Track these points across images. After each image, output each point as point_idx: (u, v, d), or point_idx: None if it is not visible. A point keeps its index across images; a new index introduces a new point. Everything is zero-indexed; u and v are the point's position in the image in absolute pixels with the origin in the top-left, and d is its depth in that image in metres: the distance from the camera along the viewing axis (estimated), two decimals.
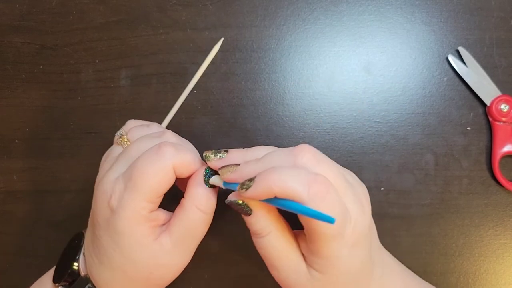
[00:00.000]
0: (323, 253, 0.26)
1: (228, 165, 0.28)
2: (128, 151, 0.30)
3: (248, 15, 0.40)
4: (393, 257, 0.35)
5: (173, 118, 0.40)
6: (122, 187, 0.28)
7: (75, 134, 0.41)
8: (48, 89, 0.41)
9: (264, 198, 0.25)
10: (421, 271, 0.37)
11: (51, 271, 0.34)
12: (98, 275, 0.31)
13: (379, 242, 0.33)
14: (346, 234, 0.26)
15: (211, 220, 0.31)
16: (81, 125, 0.41)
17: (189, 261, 0.31)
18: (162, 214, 0.30)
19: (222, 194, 0.36)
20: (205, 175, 0.29)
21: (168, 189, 0.29)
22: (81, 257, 0.32)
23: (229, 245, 0.38)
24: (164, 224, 0.30)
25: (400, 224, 0.38)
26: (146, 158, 0.28)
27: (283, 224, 0.28)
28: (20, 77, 0.42)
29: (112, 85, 0.41)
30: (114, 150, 0.32)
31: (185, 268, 0.38)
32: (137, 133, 0.33)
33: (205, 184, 0.29)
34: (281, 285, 0.29)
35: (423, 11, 0.40)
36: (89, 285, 0.31)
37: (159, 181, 0.28)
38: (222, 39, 0.40)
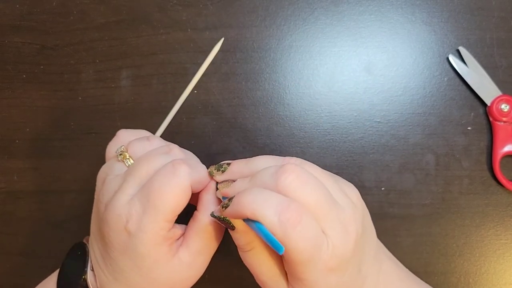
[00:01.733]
0: (300, 276, 0.26)
1: (225, 181, 0.29)
2: (137, 170, 0.29)
3: (249, 15, 0.40)
4: (392, 257, 0.34)
5: (173, 118, 0.40)
6: (139, 210, 0.28)
7: (76, 134, 0.41)
8: (49, 89, 0.41)
9: (239, 218, 0.26)
10: (421, 271, 0.37)
11: (53, 277, 0.33)
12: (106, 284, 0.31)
13: (377, 243, 0.32)
14: (322, 259, 0.25)
15: (224, 228, 0.31)
16: (82, 125, 0.41)
17: (206, 267, 0.32)
18: (178, 230, 0.30)
19: None
20: (217, 188, 0.30)
21: (184, 206, 0.29)
22: (89, 272, 0.31)
23: (229, 246, 0.38)
24: (179, 238, 0.31)
25: (400, 224, 0.38)
26: (162, 178, 0.28)
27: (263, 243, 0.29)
28: (20, 77, 0.42)
29: (113, 85, 0.41)
30: (116, 168, 0.31)
31: None
32: (139, 148, 0.31)
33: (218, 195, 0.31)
34: None
35: (424, 11, 0.40)
36: None
37: (178, 201, 0.28)
38: (223, 39, 0.40)
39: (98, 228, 0.31)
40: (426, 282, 0.37)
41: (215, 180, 0.31)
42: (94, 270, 0.31)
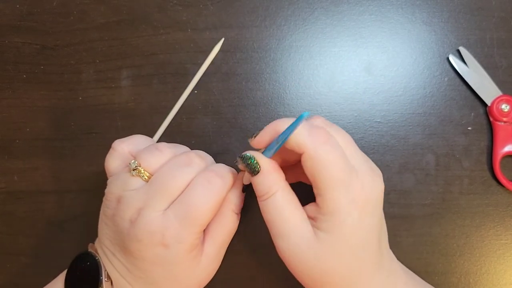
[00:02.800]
0: (331, 205, 0.26)
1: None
2: (164, 186, 0.29)
3: (249, 15, 0.40)
4: (403, 266, 0.34)
5: (173, 118, 0.40)
6: (176, 225, 0.29)
7: (76, 134, 0.41)
8: (49, 89, 0.41)
9: (269, 140, 0.28)
10: (422, 271, 0.37)
11: (58, 281, 0.33)
12: None
13: (388, 247, 0.32)
14: (354, 188, 0.26)
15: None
16: (82, 125, 0.41)
17: None
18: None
19: None
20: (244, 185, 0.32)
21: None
22: (105, 283, 0.31)
23: (230, 246, 0.38)
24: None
25: (400, 224, 0.38)
26: (200, 194, 0.29)
27: (288, 186, 0.29)
28: (20, 77, 0.42)
29: (113, 85, 0.41)
30: (131, 183, 0.30)
31: None
32: (152, 160, 0.31)
33: (242, 191, 0.33)
34: (286, 260, 0.29)
35: (424, 11, 0.40)
36: None
37: (214, 212, 0.30)
38: (223, 39, 0.40)
39: (120, 242, 0.30)
40: (426, 282, 0.37)
41: (253, 145, 0.31)
42: (117, 282, 0.31)
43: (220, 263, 0.34)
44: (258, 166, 0.28)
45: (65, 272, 0.32)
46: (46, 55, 0.42)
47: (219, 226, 0.32)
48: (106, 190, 0.32)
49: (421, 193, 0.38)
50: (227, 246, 0.34)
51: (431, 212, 0.38)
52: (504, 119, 0.37)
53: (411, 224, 0.38)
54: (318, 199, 0.27)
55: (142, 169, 0.30)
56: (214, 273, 0.34)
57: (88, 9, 0.42)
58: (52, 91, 0.41)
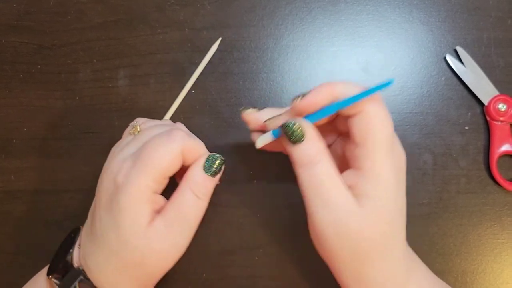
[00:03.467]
0: (377, 168, 0.26)
1: (275, 116, 0.30)
2: (139, 136, 0.32)
3: (246, 14, 0.40)
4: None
5: (171, 117, 0.40)
6: (130, 165, 0.29)
7: (73, 134, 0.40)
8: (46, 89, 0.41)
9: (322, 102, 0.27)
10: None
11: (46, 268, 0.34)
12: (92, 260, 0.31)
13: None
14: (395, 154, 0.27)
15: (205, 207, 0.31)
16: (79, 125, 0.41)
17: (182, 252, 0.31)
18: (162, 201, 0.31)
19: (220, 190, 0.36)
20: (206, 161, 0.31)
21: (174, 172, 0.30)
22: (76, 249, 0.32)
23: (228, 245, 0.38)
24: (160, 210, 0.31)
25: None
26: (157, 139, 0.30)
27: (330, 154, 0.28)
28: (18, 77, 0.42)
29: (110, 85, 0.41)
30: (125, 139, 0.33)
31: (184, 268, 0.38)
32: (150, 123, 0.34)
33: (205, 171, 0.30)
34: (325, 230, 0.27)
35: (421, 11, 0.40)
36: (81, 276, 0.31)
37: (167, 162, 0.29)
38: (220, 38, 0.40)
39: (96, 193, 0.32)
40: None
41: (244, 118, 0.31)
42: (81, 244, 0.32)
43: (174, 250, 0.30)
44: (302, 133, 0.27)
45: None
46: (43, 55, 0.42)
47: (172, 201, 0.30)
48: None
49: (419, 193, 0.38)
50: (186, 234, 0.31)
51: (428, 211, 0.38)
52: (501, 118, 0.37)
53: (408, 223, 0.38)
54: (362, 162, 0.27)
55: (138, 128, 0.33)
56: (165, 259, 0.31)
57: (85, 8, 0.42)
58: (49, 90, 0.41)
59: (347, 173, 0.28)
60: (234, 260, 0.38)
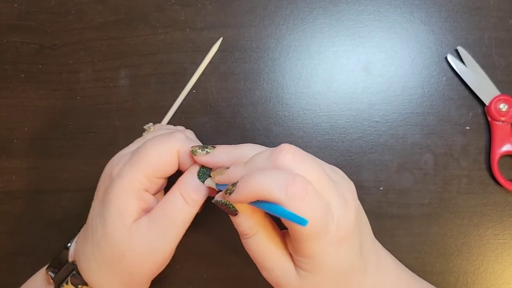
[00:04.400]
0: (308, 252, 0.26)
1: (219, 168, 0.28)
2: (145, 136, 0.33)
3: (247, 14, 0.40)
4: (388, 253, 0.35)
5: (172, 117, 0.40)
6: (127, 160, 0.30)
7: (74, 134, 0.40)
8: (47, 88, 0.41)
9: (246, 201, 0.25)
10: (420, 271, 0.37)
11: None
12: (82, 254, 0.31)
13: (373, 238, 0.32)
14: (330, 232, 0.25)
15: (194, 214, 0.30)
16: (80, 125, 0.41)
17: (164, 256, 0.30)
18: (154, 201, 0.30)
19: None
20: (199, 171, 0.30)
21: (167, 172, 0.30)
22: (73, 244, 0.33)
23: (228, 246, 0.38)
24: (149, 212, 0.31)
25: (399, 223, 0.38)
26: (157, 138, 0.30)
27: (269, 224, 0.28)
28: (19, 76, 0.42)
29: (111, 85, 0.41)
30: (135, 142, 0.34)
31: (185, 268, 0.38)
32: (162, 127, 0.35)
33: (198, 177, 0.30)
34: (272, 285, 0.29)
35: (422, 11, 0.40)
36: (74, 271, 0.31)
37: (160, 159, 0.29)
38: (221, 38, 0.40)
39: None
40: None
41: (196, 160, 0.30)
42: (77, 241, 0.32)
43: (156, 252, 0.30)
44: (235, 209, 0.27)
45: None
46: (44, 55, 0.42)
47: (160, 202, 0.30)
48: None
49: (420, 193, 0.38)
50: (171, 238, 0.30)
51: (429, 211, 0.38)
52: (502, 118, 0.37)
53: (409, 224, 0.38)
54: (294, 244, 0.27)
55: (150, 128, 0.34)
56: (146, 260, 0.30)
57: (86, 8, 0.42)
58: (50, 90, 0.41)
59: (288, 241, 0.28)
60: (235, 260, 0.38)
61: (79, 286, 0.31)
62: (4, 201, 0.40)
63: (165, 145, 0.29)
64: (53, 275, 0.32)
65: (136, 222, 0.29)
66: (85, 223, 0.33)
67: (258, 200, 0.25)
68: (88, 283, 0.31)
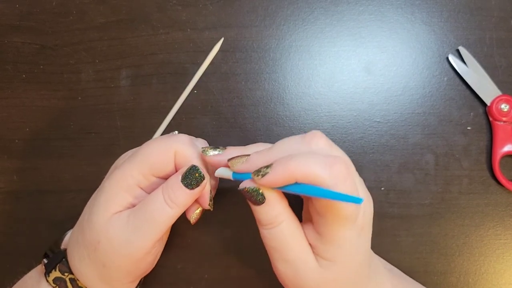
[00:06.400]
0: (335, 236, 0.26)
1: (238, 156, 0.28)
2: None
3: (248, 15, 0.40)
4: (381, 259, 0.35)
5: (173, 118, 0.40)
6: (127, 158, 0.31)
7: (75, 134, 0.40)
8: (48, 89, 0.41)
9: (283, 184, 0.25)
10: (421, 271, 0.37)
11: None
12: (70, 238, 0.32)
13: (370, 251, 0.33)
14: (358, 221, 0.26)
15: (175, 216, 0.29)
16: (81, 125, 0.41)
17: (141, 252, 0.29)
18: (143, 196, 0.31)
19: (222, 190, 0.36)
20: (186, 170, 0.29)
21: (162, 171, 0.30)
22: (69, 232, 0.34)
23: (230, 246, 0.38)
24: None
25: (400, 224, 0.38)
26: (160, 137, 0.31)
27: (293, 214, 0.28)
28: (20, 77, 0.42)
29: (112, 85, 0.41)
30: None
31: (186, 269, 0.38)
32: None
33: (181, 179, 0.29)
34: (286, 280, 0.28)
35: (423, 11, 0.40)
36: (64, 259, 0.32)
37: (156, 156, 0.29)
38: (222, 39, 0.40)
39: None
40: (426, 281, 0.37)
41: (206, 160, 0.29)
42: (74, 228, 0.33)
43: (132, 247, 0.29)
44: (263, 197, 0.26)
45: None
46: (46, 55, 0.42)
47: (146, 198, 0.29)
48: None
49: (421, 193, 0.38)
50: (150, 236, 0.29)
51: (431, 211, 0.38)
52: (504, 118, 0.37)
53: (410, 224, 0.38)
54: (321, 228, 0.26)
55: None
56: (119, 253, 0.29)
57: (87, 9, 0.42)
58: (51, 91, 0.41)
59: (309, 231, 0.28)
60: (236, 261, 0.38)
61: (66, 274, 0.31)
62: (6, 201, 0.41)
63: (164, 144, 0.30)
64: (46, 261, 0.32)
65: (118, 213, 0.29)
66: None
67: (294, 184, 0.24)
68: (72, 271, 0.31)
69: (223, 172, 0.29)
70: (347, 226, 0.25)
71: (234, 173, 0.28)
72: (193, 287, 0.39)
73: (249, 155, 0.27)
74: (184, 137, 0.30)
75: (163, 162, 0.29)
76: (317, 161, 0.24)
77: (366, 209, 0.27)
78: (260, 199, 0.26)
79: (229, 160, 0.28)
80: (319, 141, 0.26)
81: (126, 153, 0.33)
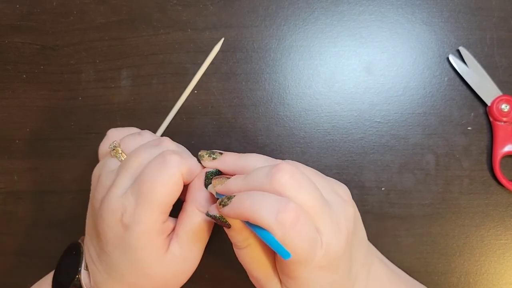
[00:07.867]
0: (292, 274, 0.26)
1: (220, 177, 0.29)
2: (129, 164, 0.30)
3: (249, 15, 0.40)
4: (382, 258, 0.34)
5: (173, 118, 0.40)
6: (133, 203, 0.28)
7: (76, 134, 0.41)
8: (49, 89, 0.41)
9: (237, 219, 0.26)
10: (422, 271, 0.37)
11: (49, 277, 0.33)
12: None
13: (367, 247, 0.32)
14: (316, 258, 0.25)
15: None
16: (82, 125, 0.41)
17: (196, 265, 0.32)
18: (171, 223, 0.31)
19: None
20: (205, 179, 0.30)
21: (177, 197, 0.29)
22: (83, 271, 0.31)
23: (230, 245, 0.38)
24: (172, 232, 0.31)
25: (401, 224, 0.38)
26: (152, 169, 0.28)
27: (261, 240, 0.28)
28: (20, 77, 0.42)
29: (113, 85, 0.41)
30: (109, 163, 0.31)
31: None
32: (131, 143, 0.32)
33: (205, 187, 0.30)
34: None
35: (424, 11, 0.40)
36: None
37: (170, 191, 0.28)
38: (223, 39, 0.40)
39: (94, 225, 0.31)
40: (426, 281, 0.37)
41: (202, 165, 0.30)
42: (89, 268, 0.31)
43: (192, 265, 0.32)
44: (228, 223, 0.27)
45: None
46: (46, 55, 0.42)
47: (183, 224, 0.30)
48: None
49: (421, 193, 0.38)
50: (202, 247, 0.32)
51: (431, 212, 0.38)
52: (504, 119, 0.37)
53: (411, 224, 0.38)
54: (279, 264, 0.27)
55: (120, 150, 0.31)
56: (186, 275, 0.32)
57: (88, 9, 0.42)
58: (52, 91, 0.41)
59: (277, 263, 0.28)
60: (237, 260, 0.38)
61: None
62: (6, 201, 0.41)
63: (168, 177, 0.28)
64: None
65: (168, 252, 0.30)
66: (85, 224, 0.33)
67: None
68: None
69: (211, 189, 0.30)
70: (301, 267, 0.25)
71: (216, 192, 0.29)
72: (194, 286, 0.38)
73: (229, 177, 0.28)
74: (176, 158, 0.29)
75: (177, 191, 0.29)
76: (266, 205, 0.24)
77: (330, 248, 0.25)
78: (226, 224, 0.27)
79: (213, 179, 0.29)
80: (282, 177, 0.25)
81: (106, 168, 0.31)
